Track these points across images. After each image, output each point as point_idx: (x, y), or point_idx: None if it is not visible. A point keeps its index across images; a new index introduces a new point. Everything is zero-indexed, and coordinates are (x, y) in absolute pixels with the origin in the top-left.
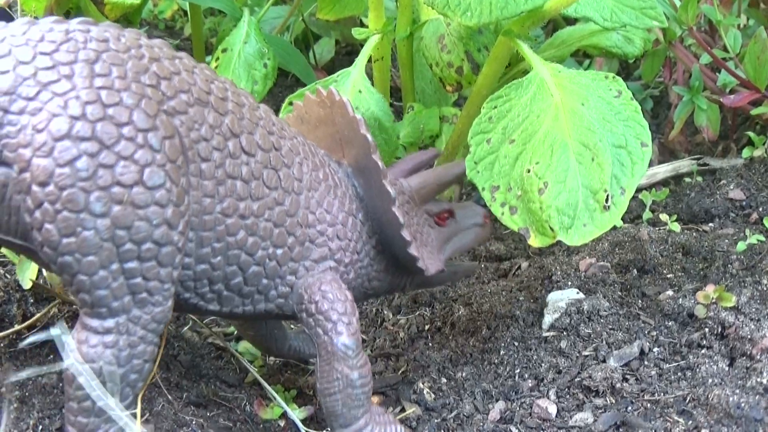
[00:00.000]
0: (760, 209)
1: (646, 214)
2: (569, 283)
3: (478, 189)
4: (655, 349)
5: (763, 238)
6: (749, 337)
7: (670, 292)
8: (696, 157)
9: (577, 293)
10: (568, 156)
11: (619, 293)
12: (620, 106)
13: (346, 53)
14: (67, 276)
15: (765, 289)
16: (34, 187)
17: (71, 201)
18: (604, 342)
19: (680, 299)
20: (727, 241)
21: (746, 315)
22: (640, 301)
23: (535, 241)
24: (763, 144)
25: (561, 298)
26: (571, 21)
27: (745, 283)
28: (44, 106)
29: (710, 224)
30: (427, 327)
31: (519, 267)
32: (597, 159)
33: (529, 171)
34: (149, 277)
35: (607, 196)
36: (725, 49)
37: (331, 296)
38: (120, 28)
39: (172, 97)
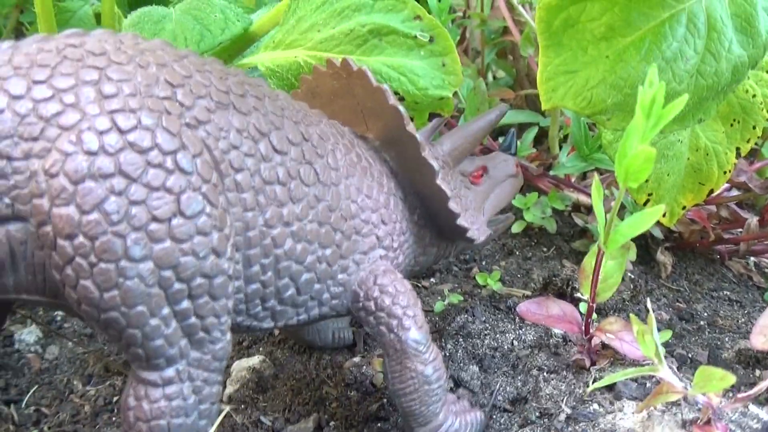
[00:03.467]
0: (483, 263)
1: None
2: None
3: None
4: (332, 423)
5: (461, 298)
6: None
7: (356, 359)
8: None
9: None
10: None
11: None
12: None
13: None
14: (114, 332)
15: (450, 352)
16: (60, 242)
17: (107, 250)
18: (281, 415)
19: (364, 367)
20: (439, 298)
21: None
22: (329, 369)
23: None
24: None
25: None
26: None
27: None
28: (53, 144)
29: (431, 279)
30: (115, 399)
31: None
32: None
33: None
34: (204, 315)
35: None
36: None
37: (390, 289)
38: (114, 33)
39: (191, 107)
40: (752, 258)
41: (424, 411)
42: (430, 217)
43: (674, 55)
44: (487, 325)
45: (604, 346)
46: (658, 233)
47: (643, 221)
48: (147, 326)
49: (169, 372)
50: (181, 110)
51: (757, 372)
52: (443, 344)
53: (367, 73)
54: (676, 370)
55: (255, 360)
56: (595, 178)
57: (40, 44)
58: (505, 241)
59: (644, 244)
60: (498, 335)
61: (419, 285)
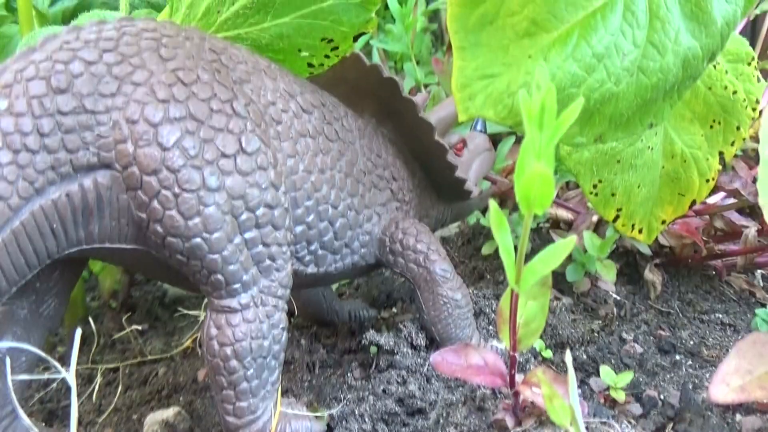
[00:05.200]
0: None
1: None
2: None
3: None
4: None
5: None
6: None
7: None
8: None
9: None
10: None
11: None
12: None
13: None
14: (196, 261)
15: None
16: (146, 178)
17: (188, 181)
18: None
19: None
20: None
21: None
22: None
23: None
24: None
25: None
26: None
27: None
28: (130, 97)
29: (393, 308)
30: None
31: None
32: None
33: None
34: (269, 243)
35: None
36: None
37: (412, 230)
38: (155, 20)
39: (234, 68)
40: (759, 271)
41: (459, 334)
42: (429, 178)
43: (607, 50)
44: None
45: (533, 402)
46: (645, 249)
47: (556, 255)
48: (225, 251)
49: (245, 297)
50: (227, 70)
51: (737, 417)
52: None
53: (360, 55)
54: (639, 414)
55: (170, 412)
56: (492, 205)
57: (97, 26)
58: (475, 264)
59: (632, 261)
60: (424, 383)
61: (379, 316)
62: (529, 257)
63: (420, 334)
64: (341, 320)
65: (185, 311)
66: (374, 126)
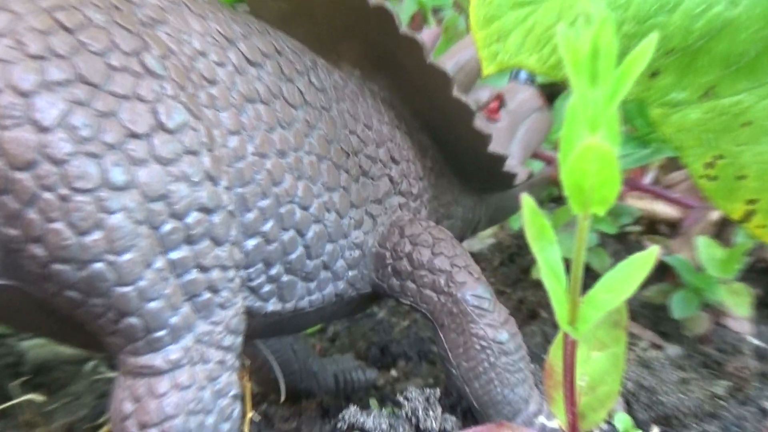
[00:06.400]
0: None
1: None
2: None
3: None
4: None
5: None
6: None
7: None
8: None
9: None
10: None
11: None
12: None
13: None
14: (97, 298)
15: None
16: (17, 175)
17: (81, 176)
18: None
19: None
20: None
21: None
22: None
23: None
24: None
25: None
26: None
27: None
28: None
29: (392, 371)
30: None
31: None
32: None
33: None
34: (207, 266)
35: None
36: None
37: (426, 238)
38: None
39: (141, 3)
40: None
41: (509, 395)
42: (449, 158)
43: None
44: None
45: None
46: None
47: (632, 276)
48: (142, 280)
49: (176, 352)
50: (131, 6)
51: None
52: None
53: None
54: None
55: None
56: (526, 202)
57: None
58: (522, 295)
59: None
60: None
61: (376, 386)
62: (598, 277)
63: (432, 411)
64: (323, 388)
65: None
66: (358, 81)
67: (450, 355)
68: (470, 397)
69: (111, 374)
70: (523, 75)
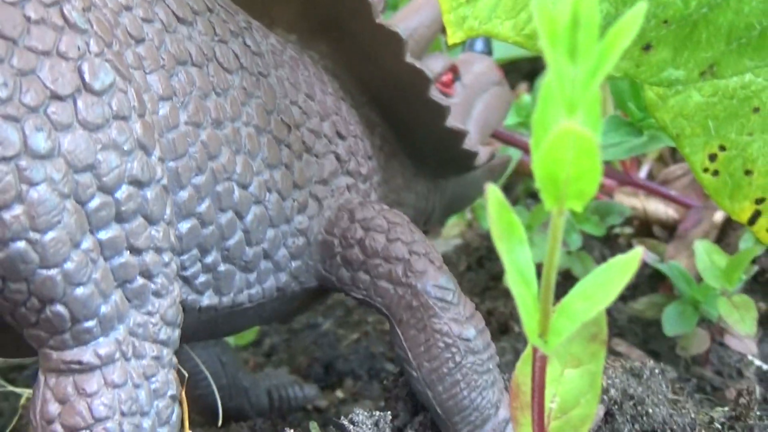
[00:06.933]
0: None
1: None
2: None
3: None
4: None
5: None
6: None
7: None
8: None
9: None
10: None
11: None
12: None
13: None
14: (17, 283)
15: None
16: None
17: None
18: None
19: None
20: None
21: None
22: None
23: None
24: None
25: None
26: None
27: None
28: None
29: (338, 392)
30: None
31: None
32: None
33: None
34: (141, 247)
35: None
36: None
37: (380, 222)
38: None
39: None
40: None
41: (477, 401)
42: (400, 136)
43: None
44: None
45: None
46: None
47: (611, 282)
48: (68, 261)
49: (106, 345)
50: None
51: None
52: None
53: None
54: None
55: None
56: (492, 192)
57: None
58: (492, 305)
59: None
60: None
61: (310, 404)
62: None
63: None
64: (255, 407)
65: None
66: (297, 46)
67: (409, 354)
68: (433, 403)
69: None
70: (479, 44)
